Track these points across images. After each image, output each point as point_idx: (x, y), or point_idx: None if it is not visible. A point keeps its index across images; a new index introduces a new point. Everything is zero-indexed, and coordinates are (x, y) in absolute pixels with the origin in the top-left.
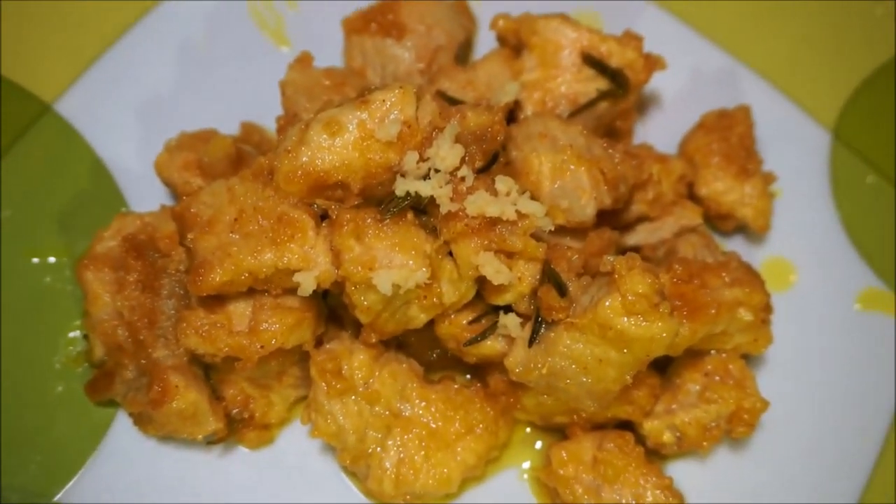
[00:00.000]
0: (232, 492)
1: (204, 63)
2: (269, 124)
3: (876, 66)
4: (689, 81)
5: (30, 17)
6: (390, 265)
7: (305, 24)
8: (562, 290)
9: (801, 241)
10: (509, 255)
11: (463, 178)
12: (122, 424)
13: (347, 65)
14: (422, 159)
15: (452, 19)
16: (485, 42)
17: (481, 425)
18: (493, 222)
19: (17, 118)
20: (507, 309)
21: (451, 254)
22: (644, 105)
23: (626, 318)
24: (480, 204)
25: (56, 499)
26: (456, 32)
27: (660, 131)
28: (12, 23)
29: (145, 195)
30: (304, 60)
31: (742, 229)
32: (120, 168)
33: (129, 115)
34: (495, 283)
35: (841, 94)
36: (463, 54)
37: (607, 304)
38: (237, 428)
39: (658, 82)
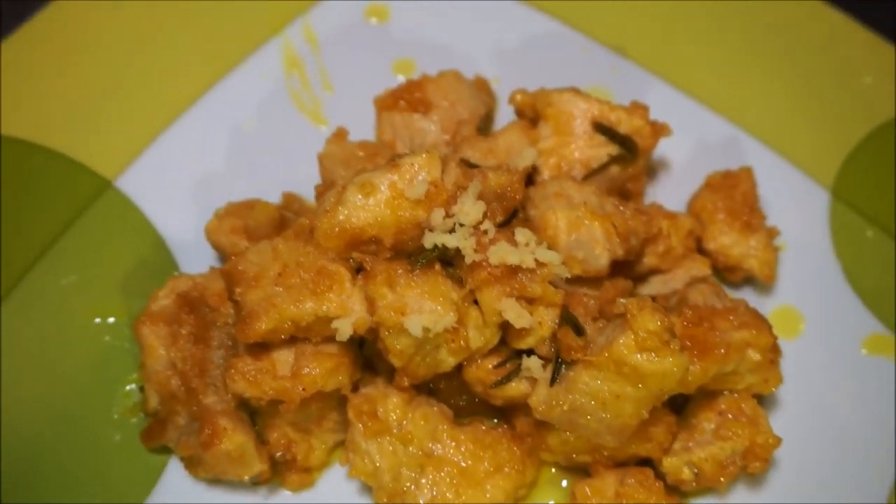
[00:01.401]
0: None
1: (250, 142)
2: (308, 194)
3: (869, 129)
4: (694, 148)
5: (93, 101)
6: (420, 311)
7: (340, 105)
8: (579, 330)
9: (807, 291)
10: (530, 301)
11: (485, 232)
12: (175, 469)
13: (379, 138)
14: (448, 215)
15: (474, 96)
16: (504, 117)
17: (509, 464)
18: (514, 271)
19: (81, 194)
20: (530, 353)
21: (476, 302)
22: (653, 170)
23: (639, 355)
24: (502, 254)
25: None
26: (477, 107)
27: (669, 193)
28: (77, 107)
29: (197, 260)
30: (340, 135)
31: (750, 281)
32: (174, 237)
33: (182, 190)
34: (517, 326)
35: (837, 156)
36: (484, 127)
37: (621, 341)
38: (280, 471)
39: (666, 149)
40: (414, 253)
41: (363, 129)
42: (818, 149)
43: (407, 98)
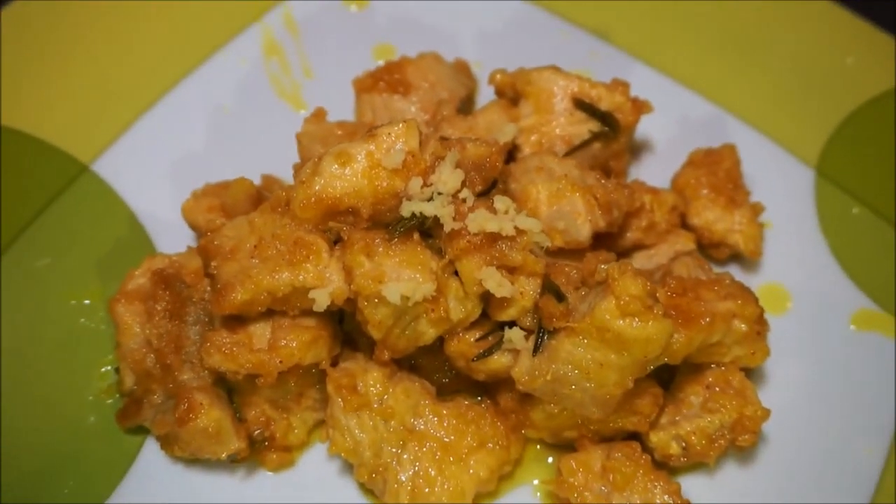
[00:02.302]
0: None
1: (228, 127)
2: (288, 176)
3: (853, 108)
4: (676, 128)
5: (70, 86)
6: (399, 279)
7: (320, 90)
8: (560, 297)
9: (794, 268)
10: (511, 271)
11: (464, 200)
12: (151, 450)
13: (358, 120)
14: (425, 185)
15: (454, 77)
16: (484, 101)
17: (493, 440)
18: (494, 239)
19: (57, 178)
20: (512, 324)
21: (456, 274)
22: (636, 149)
23: (621, 320)
24: (481, 221)
25: None
26: (457, 89)
27: (651, 172)
28: (54, 92)
29: (174, 243)
30: (318, 115)
31: (736, 258)
32: (151, 220)
33: (160, 174)
34: (498, 295)
35: (821, 134)
36: (465, 109)
37: (603, 306)
38: (259, 450)
39: (648, 128)
40: (392, 223)
41: (343, 113)
42: (802, 127)
43: (386, 79)
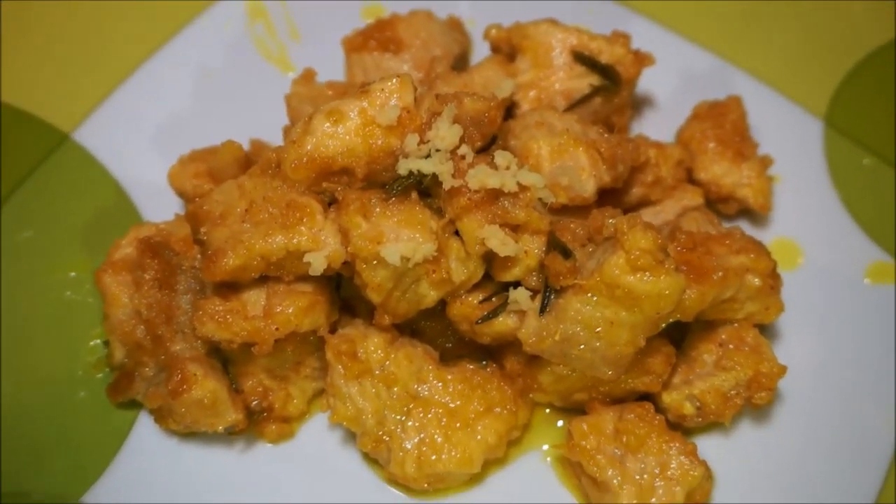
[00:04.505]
0: (255, 487)
1: (214, 91)
2: (277, 140)
3: (861, 56)
4: (679, 81)
5: (49, 54)
6: (398, 239)
7: (308, 52)
8: (567, 254)
9: (805, 221)
10: (514, 229)
11: (463, 156)
12: (144, 425)
13: (349, 81)
14: (422, 142)
15: (447, 34)
16: (479, 59)
17: (500, 404)
18: (496, 195)
19: (37, 148)
20: (517, 285)
21: (457, 234)
22: (638, 104)
23: (631, 276)
24: (481, 177)
25: (81, 499)
26: (451, 45)
27: (655, 127)
28: (32, 61)
29: (161, 211)
30: (307, 76)
31: (745, 213)
32: (137, 189)
33: (144, 142)
34: (502, 254)
35: (829, 84)
36: (459, 67)
37: (613, 261)
38: (257, 421)
39: (650, 82)
40: (388, 183)
41: (333, 73)
42: (809, 78)
43: (377, 37)
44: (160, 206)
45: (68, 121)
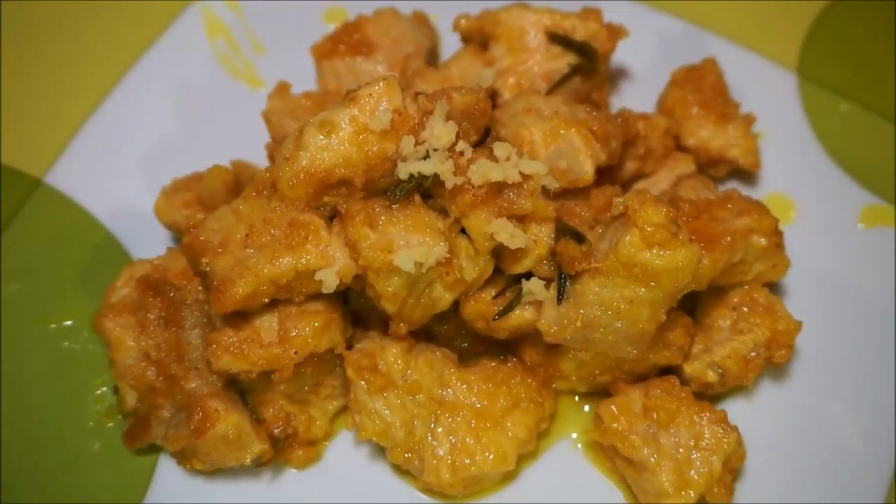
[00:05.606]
0: None
1: (184, 116)
2: (259, 159)
3: (824, 4)
4: (653, 51)
5: (8, 98)
6: (408, 245)
7: (275, 64)
8: (579, 238)
9: (793, 175)
10: (521, 220)
11: (461, 153)
12: (166, 468)
13: (322, 89)
14: (418, 142)
15: (415, 30)
16: (448, 51)
17: (526, 398)
18: (500, 188)
19: (9, 198)
20: (529, 276)
21: (463, 232)
22: (614, 78)
23: (647, 252)
24: (484, 171)
25: None
26: (421, 41)
27: (634, 99)
28: None
29: (149, 246)
30: (282, 89)
31: (735, 173)
32: (119, 224)
33: (120, 175)
34: (512, 247)
35: (797, 35)
36: (431, 62)
37: (627, 240)
38: (282, 448)
39: (625, 55)
40: (389, 189)
41: (305, 84)
42: (777, 32)
43: (346, 41)
44: (148, 241)
45: (37, 164)
